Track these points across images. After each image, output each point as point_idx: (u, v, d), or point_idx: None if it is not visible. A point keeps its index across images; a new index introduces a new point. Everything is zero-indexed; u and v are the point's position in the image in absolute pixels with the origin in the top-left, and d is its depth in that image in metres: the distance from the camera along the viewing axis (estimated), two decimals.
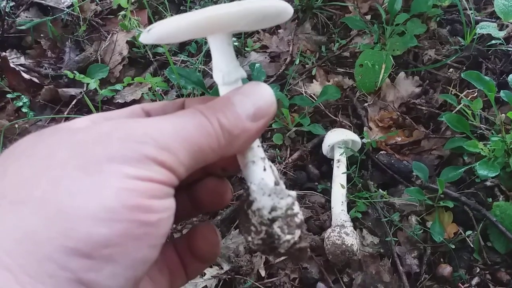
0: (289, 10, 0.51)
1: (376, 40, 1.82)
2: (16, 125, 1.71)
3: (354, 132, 1.59)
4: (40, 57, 2.04)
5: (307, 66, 1.89)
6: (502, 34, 1.57)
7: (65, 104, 1.85)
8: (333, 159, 1.54)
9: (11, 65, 1.85)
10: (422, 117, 1.70)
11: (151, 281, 0.52)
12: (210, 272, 1.35)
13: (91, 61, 1.97)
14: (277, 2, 0.49)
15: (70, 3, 2.10)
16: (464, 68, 1.72)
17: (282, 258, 1.35)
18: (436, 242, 1.36)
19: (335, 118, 1.71)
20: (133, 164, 0.39)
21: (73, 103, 1.84)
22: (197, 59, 1.87)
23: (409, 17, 1.78)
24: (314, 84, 1.82)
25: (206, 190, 0.58)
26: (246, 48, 1.96)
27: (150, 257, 0.40)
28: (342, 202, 1.42)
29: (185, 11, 1.98)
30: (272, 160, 1.58)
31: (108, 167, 0.38)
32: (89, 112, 1.74)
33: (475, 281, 1.32)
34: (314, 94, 1.77)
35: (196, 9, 0.49)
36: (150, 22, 1.95)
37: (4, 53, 1.93)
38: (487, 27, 1.58)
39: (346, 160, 1.51)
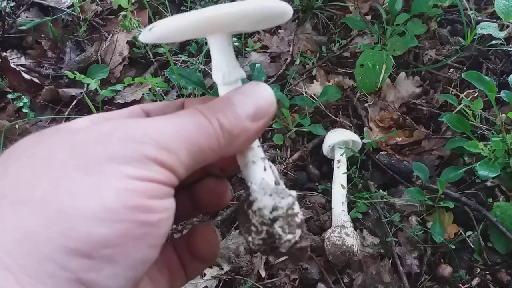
0: (289, 11, 0.51)
1: (376, 40, 1.82)
2: (17, 126, 1.71)
3: (354, 132, 1.59)
4: (40, 57, 2.04)
5: (307, 66, 1.88)
6: (502, 34, 1.57)
7: (66, 105, 1.85)
8: (333, 160, 1.54)
9: (12, 65, 1.86)
10: (423, 118, 1.70)
11: (151, 281, 0.52)
12: (210, 272, 1.35)
13: (92, 61, 1.97)
14: (277, 3, 0.49)
15: (71, 4, 2.10)
16: (465, 68, 1.72)
17: (283, 258, 1.35)
18: (436, 243, 1.36)
19: (335, 118, 1.71)
20: (133, 164, 0.39)
21: (74, 103, 1.84)
22: (198, 59, 1.87)
23: (410, 17, 1.78)
24: (315, 84, 1.82)
25: (205, 191, 0.58)
26: (246, 48, 1.96)
27: (150, 257, 0.40)
28: (343, 202, 1.42)
29: (186, 11, 1.98)
30: (273, 160, 1.58)
31: (109, 167, 0.38)
32: (90, 112, 1.74)
33: (475, 281, 1.32)
34: (314, 95, 1.77)
35: (196, 9, 0.49)
36: (150, 23, 1.94)
37: (4, 53, 1.94)
38: (487, 27, 1.58)
39: (347, 161, 1.51)
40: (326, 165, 1.60)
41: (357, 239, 1.34)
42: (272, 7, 0.49)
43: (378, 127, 1.69)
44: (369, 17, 1.92)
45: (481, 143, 1.38)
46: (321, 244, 1.37)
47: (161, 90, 1.80)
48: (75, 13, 2.07)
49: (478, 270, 1.34)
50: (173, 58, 1.90)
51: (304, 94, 1.77)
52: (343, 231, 1.33)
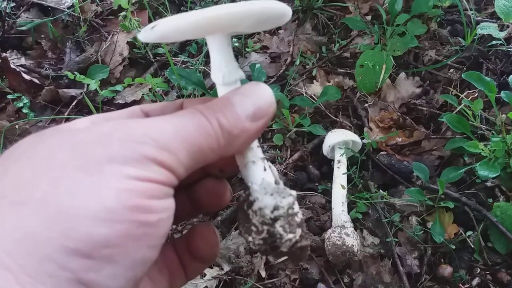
0: (288, 12, 0.52)
1: (376, 41, 1.82)
2: (17, 126, 1.71)
3: (354, 132, 1.59)
4: (40, 57, 2.04)
5: (307, 66, 1.89)
6: (502, 34, 1.57)
7: (66, 105, 1.85)
8: (333, 160, 1.54)
9: (12, 65, 1.86)
10: (423, 118, 1.70)
11: (151, 281, 0.53)
12: (210, 273, 1.35)
13: (92, 61, 1.97)
14: (277, 4, 0.49)
15: (71, 4, 2.10)
16: (465, 68, 1.72)
17: (283, 258, 1.35)
18: (436, 243, 1.36)
19: (335, 118, 1.71)
20: (133, 165, 0.39)
21: (74, 104, 1.84)
22: (198, 60, 1.87)
23: (410, 17, 1.78)
24: (315, 85, 1.82)
25: (205, 191, 0.58)
26: (246, 49, 1.96)
27: (150, 257, 0.41)
28: (343, 202, 1.42)
29: (186, 11, 1.98)
30: (273, 160, 1.59)
31: (108, 167, 0.38)
32: (90, 113, 1.74)
33: (475, 281, 1.32)
34: (314, 95, 1.77)
35: (196, 9, 0.49)
36: (150, 23, 1.95)
37: (4, 54, 1.94)
38: (487, 28, 1.58)
39: (347, 161, 1.51)
40: (326, 166, 1.60)
41: (357, 239, 1.34)
42: (272, 8, 0.49)
43: (378, 127, 1.69)
44: (369, 18, 1.93)
45: (481, 143, 1.38)
46: (321, 244, 1.37)
47: (161, 90, 1.80)
48: (75, 14, 2.07)
49: (478, 270, 1.34)
50: (173, 58, 1.90)
51: (304, 95, 1.77)
52: (343, 231, 1.33)
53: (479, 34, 1.66)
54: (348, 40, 1.94)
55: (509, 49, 1.70)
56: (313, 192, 1.53)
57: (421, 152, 1.62)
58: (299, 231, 0.50)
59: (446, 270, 1.32)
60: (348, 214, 1.41)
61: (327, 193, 1.51)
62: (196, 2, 2.14)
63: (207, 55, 1.87)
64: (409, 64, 1.83)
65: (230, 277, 1.34)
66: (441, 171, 1.47)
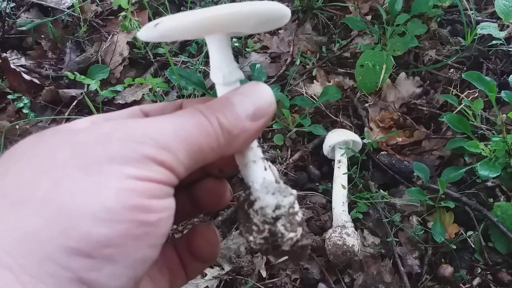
0: (287, 13, 0.52)
1: (376, 41, 1.82)
2: (17, 126, 1.71)
3: (354, 132, 1.59)
4: (40, 58, 2.04)
5: (307, 66, 1.89)
6: (502, 34, 1.57)
7: (66, 105, 1.85)
8: (334, 160, 1.54)
9: (12, 66, 1.86)
10: (423, 118, 1.70)
11: (151, 281, 0.52)
12: (211, 272, 1.35)
13: (92, 62, 1.97)
14: (277, 5, 0.49)
15: (71, 4, 2.10)
16: (465, 68, 1.72)
17: (283, 258, 1.35)
18: (437, 243, 1.36)
19: (335, 118, 1.71)
20: (133, 164, 0.39)
21: (74, 104, 1.84)
22: (198, 60, 1.87)
23: (410, 17, 1.78)
24: (315, 85, 1.82)
25: (205, 191, 0.58)
26: (246, 49, 1.96)
27: (150, 257, 0.41)
28: (343, 202, 1.42)
29: (186, 11, 1.98)
30: (273, 160, 1.59)
31: (109, 167, 0.38)
32: (90, 113, 1.74)
33: (476, 281, 1.32)
34: (314, 95, 1.77)
35: (197, 9, 0.50)
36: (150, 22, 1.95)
37: (4, 54, 1.94)
38: (487, 28, 1.58)
39: (347, 161, 1.51)
40: (326, 165, 1.60)
41: (358, 239, 1.34)
42: (273, 9, 0.49)
43: (379, 127, 1.69)
44: (369, 18, 1.93)
45: (482, 143, 1.38)
46: (322, 244, 1.37)
47: (161, 90, 1.80)
48: (75, 14, 2.07)
49: (479, 270, 1.34)
50: (173, 58, 1.90)
51: (305, 95, 1.77)
52: (344, 231, 1.33)
53: (479, 34, 1.66)
54: (348, 40, 1.94)
55: (509, 49, 1.70)
56: (314, 192, 1.53)
57: (422, 152, 1.62)
58: (300, 230, 0.50)
59: (447, 270, 1.32)
60: (349, 214, 1.41)
61: (328, 193, 1.51)
62: (196, 2, 2.14)
63: (207, 55, 1.86)
64: (409, 64, 1.83)
65: (230, 277, 1.34)
66: (441, 171, 1.47)
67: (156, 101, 1.77)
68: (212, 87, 1.68)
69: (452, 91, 1.66)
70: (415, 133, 1.66)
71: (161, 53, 1.98)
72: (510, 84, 1.49)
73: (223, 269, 1.36)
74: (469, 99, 1.52)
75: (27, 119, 1.74)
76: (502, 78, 1.67)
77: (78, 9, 2.06)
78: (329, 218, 1.45)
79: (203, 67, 1.86)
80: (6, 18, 2.05)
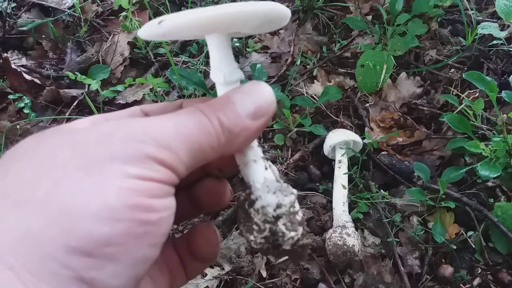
0: (288, 15, 0.52)
1: (377, 41, 1.82)
2: (18, 126, 1.71)
3: (355, 132, 1.59)
4: (41, 58, 2.04)
5: (308, 66, 1.89)
6: (503, 34, 1.57)
7: (67, 105, 1.86)
8: (334, 160, 1.54)
9: (13, 66, 1.86)
10: (424, 118, 1.70)
11: (151, 280, 0.53)
12: (211, 272, 1.35)
13: (93, 62, 1.97)
14: (279, 6, 0.49)
15: (71, 4, 2.10)
16: (466, 68, 1.72)
17: (284, 258, 1.35)
18: (437, 243, 1.36)
19: (336, 118, 1.71)
20: (134, 164, 0.39)
21: (75, 104, 1.84)
22: (199, 60, 1.88)
23: (410, 17, 1.78)
24: (315, 85, 1.82)
25: (205, 191, 0.58)
26: (247, 49, 1.96)
27: (151, 256, 0.41)
28: (344, 202, 1.42)
29: None
30: (274, 160, 1.59)
31: (110, 166, 0.39)
32: (91, 113, 1.75)
33: (476, 281, 1.32)
34: (315, 95, 1.77)
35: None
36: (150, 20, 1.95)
37: (5, 54, 1.94)
38: (488, 27, 1.58)
39: (348, 161, 1.51)
40: (327, 165, 1.60)
41: (358, 239, 1.34)
42: (274, 9, 0.49)
43: (379, 127, 1.69)
44: (369, 18, 1.93)
45: (482, 143, 1.38)
46: (322, 244, 1.37)
47: (162, 90, 1.80)
48: (76, 14, 2.07)
49: (479, 270, 1.34)
50: (174, 58, 1.90)
51: (305, 95, 1.77)
52: (344, 231, 1.33)
53: (480, 34, 1.66)
54: (348, 40, 1.94)
55: (510, 49, 1.70)
56: (314, 192, 1.53)
57: (422, 152, 1.62)
58: (300, 229, 0.50)
59: (447, 270, 1.32)
60: (349, 214, 1.41)
61: (328, 193, 1.51)
62: (196, 2, 2.14)
63: (207, 56, 1.87)
64: (410, 64, 1.83)
65: (231, 277, 1.34)
66: (442, 171, 1.47)
67: (156, 101, 1.77)
68: (213, 87, 1.68)
69: (453, 91, 1.65)
70: (416, 133, 1.65)
71: (162, 53, 1.98)
72: (511, 84, 1.49)
73: (223, 269, 1.36)
74: (470, 99, 1.52)
75: (28, 119, 1.74)
76: (502, 78, 1.66)
77: (79, 9, 2.07)
78: (329, 218, 1.45)
79: (204, 67, 1.86)
80: (7, 18, 2.05)
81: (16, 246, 0.35)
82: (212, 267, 1.37)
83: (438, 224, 1.38)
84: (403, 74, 1.78)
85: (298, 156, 1.61)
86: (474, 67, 1.71)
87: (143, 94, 1.85)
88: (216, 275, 1.35)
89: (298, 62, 1.86)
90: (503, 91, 1.47)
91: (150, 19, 1.95)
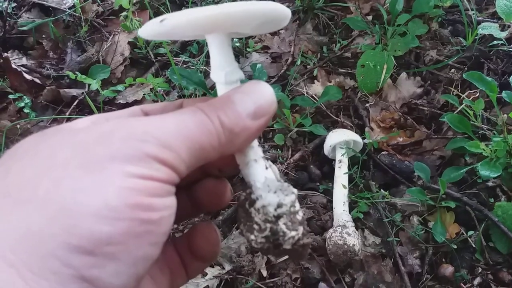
0: (288, 15, 0.52)
1: (377, 41, 1.82)
2: (18, 126, 1.71)
3: (355, 132, 1.59)
4: (42, 57, 2.04)
5: (308, 66, 1.89)
6: (503, 34, 1.57)
7: (67, 105, 1.86)
8: (334, 160, 1.54)
9: (13, 65, 1.86)
10: (424, 118, 1.70)
11: (152, 280, 0.53)
12: (212, 272, 1.35)
13: (93, 61, 1.97)
14: (280, 6, 0.49)
15: (72, 4, 2.10)
16: (466, 68, 1.72)
17: (284, 258, 1.35)
18: (438, 242, 1.36)
19: (336, 118, 1.71)
20: (135, 163, 0.39)
21: (75, 103, 1.84)
22: (199, 60, 1.88)
23: (411, 17, 1.78)
24: (316, 85, 1.82)
25: (205, 191, 0.58)
26: (247, 49, 1.96)
27: (152, 255, 0.41)
28: (344, 202, 1.42)
29: None
30: (274, 160, 1.59)
31: (110, 165, 0.39)
32: (91, 112, 1.75)
33: (477, 281, 1.32)
34: (315, 95, 1.77)
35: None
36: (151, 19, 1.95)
37: (6, 54, 1.94)
38: (488, 28, 1.58)
39: (348, 161, 1.51)
40: (327, 165, 1.60)
41: (359, 238, 1.34)
42: (276, 10, 0.50)
43: (379, 127, 1.69)
44: (370, 18, 1.93)
45: (483, 143, 1.38)
46: (322, 244, 1.38)
47: (162, 90, 1.80)
48: (76, 14, 2.07)
49: (480, 270, 1.34)
50: (174, 58, 1.90)
51: (305, 95, 1.77)
52: (344, 231, 1.33)
53: (480, 34, 1.66)
54: (349, 40, 1.94)
55: (510, 49, 1.70)
56: (314, 192, 1.54)
57: (422, 152, 1.62)
58: (301, 229, 0.50)
59: (448, 269, 1.32)
60: (350, 213, 1.41)
61: (328, 192, 1.51)
62: (197, 2, 2.14)
63: (208, 55, 1.86)
64: (410, 64, 1.83)
65: (231, 276, 1.34)
66: (442, 171, 1.47)
67: (157, 101, 1.77)
68: (213, 87, 1.68)
69: (453, 91, 1.65)
70: (416, 133, 1.65)
71: (162, 53, 1.98)
72: (511, 84, 1.49)
73: (223, 268, 1.36)
74: (470, 99, 1.52)
75: (28, 119, 1.74)
76: (503, 78, 1.67)
77: (79, 9, 2.07)
78: (329, 218, 1.45)
79: (204, 67, 1.86)
80: (8, 18, 2.05)
81: (17, 245, 0.35)
82: (213, 267, 1.37)
83: (438, 223, 1.38)
84: (404, 74, 1.78)
85: (298, 156, 1.61)
86: (474, 67, 1.71)
87: (144, 94, 1.85)
88: (216, 274, 1.35)
89: (299, 62, 1.86)
90: (503, 91, 1.47)
91: (150, 19, 1.94)
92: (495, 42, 1.66)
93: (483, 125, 1.50)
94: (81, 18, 2.07)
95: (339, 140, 1.50)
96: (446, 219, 1.42)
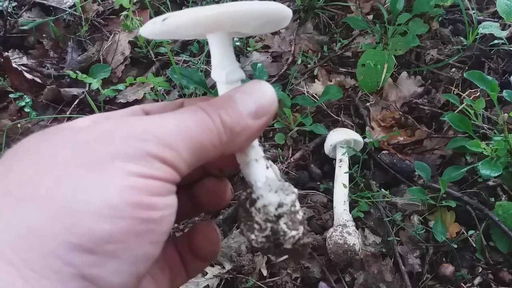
0: (289, 15, 0.53)
1: (378, 40, 1.82)
2: (19, 125, 1.71)
3: (356, 131, 1.59)
4: (42, 57, 2.04)
5: (309, 66, 1.88)
6: (504, 33, 1.57)
7: (67, 104, 1.86)
8: (335, 159, 1.54)
9: (14, 65, 1.86)
10: (424, 117, 1.70)
11: (152, 279, 0.53)
12: (212, 271, 1.35)
13: (93, 61, 1.97)
14: (281, 6, 0.50)
15: (72, 3, 2.10)
16: (467, 67, 1.72)
17: (284, 257, 1.35)
18: (438, 242, 1.36)
19: (337, 117, 1.71)
20: (136, 162, 0.39)
21: (75, 103, 1.84)
22: (199, 59, 1.88)
23: (411, 17, 1.78)
24: (316, 84, 1.82)
25: (205, 190, 0.58)
26: (248, 48, 1.96)
27: (152, 254, 0.41)
28: (344, 201, 1.42)
29: None
30: (274, 159, 1.59)
31: (111, 164, 0.39)
32: (91, 112, 1.75)
33: (477, 280, 1.32)
34: (316, 94, 1.77)
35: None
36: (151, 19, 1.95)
37: (6, 53, 1.94)
38: (489, 27, 1.58)
39: (348, 160, 1.51)
40: (327, 165, 1.60)
41: (359, 238, 1.34)
42: (277, 9, 0.50)
43: (380, 127, 1.69)
44: (370, 17, 1.92)
45: (483, 142, 1.38)
46: (323, 243, 1.38)
47: (162, 89, 1.80)
48: (76, 13, 2.07)
49: (480, 269, 1.34)
50: (175, 57, 1.90)
51: (306, 94, 1.77)
52: (345, 230, 1.33)
53: (481, 33, 1.65)
54: (349, 39, 1.94)
55: (511, 48, 1.70)
56: (315, 191, 1.54)
57: (423, 151, 1.62)
58: (301, 228, 0.50)
59: (448, 269, 1.32)
60: (350, 213, 1.41)
61: (329, 192, 1.51)
62: (197, 1, 2.14)
63: (208, 55, 1.87)
64: (411, 63, 1.83)
65: (231, 276, 1.34)
66: (443, 170, 1.47)
67: (157, 100, 1.77)
68: (214, 86, 1.68)
69: (454, 90, 1.65)
70: (417, 132, 1.65)
71: (163, 52, 1.98)
72: None
73: (223, 267, 1.37)
74: (471, 98, 1.52)
75: (29, 118, 1.74)
76: (503, 78, 1.66)
77: (80, 9, 2.06)
78: (330, 217, 1.45)
79: (205, 66, 1.86)
80: (8, 18, 2.05)
81: (18, 244, 0.35)
82: (213, 266, 1.37)
83: (439, 223, 1.38)
84: (404, 74, 1.78)
85: (299, 155, 1.61)
86: (475, 66, 1.71)
87: (144, 93, 1.85)
88: (216, 273, 1.35)
89: (299, 62, 1.86)
90: (504, 91, 1.47)
91: (151, 18, 1.94)
92: (495, 41, 1.66)
93: (483, 124, 1.50)
94: (81, 17, 2.07)
95: (340, 139, 1.50)
96: (446, 219, 1.42)
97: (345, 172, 1.47)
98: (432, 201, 1.41)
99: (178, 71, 1.59)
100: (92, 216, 0.36)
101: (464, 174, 1.43)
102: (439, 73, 1.77)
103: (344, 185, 1.44)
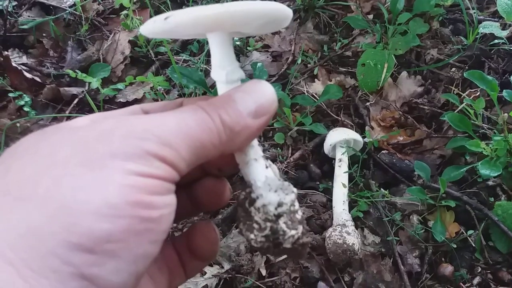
0: (289, 15, 0.53)
1: (378, 40, 1.82)
2: (18, 124, 1.71)
3: (356, 131, 1.59)
4: (42, 56, 2.04)
5: (309, 65, 1.88)
6: (504, 33, 1.57)
7: (67, 103, 1.86)
8: (334, 159, 1.54)
9: (13, 64, 1.86)
10: (424, 117, 1.70)
11: (151, 279, 0.53)
12: (211, 271, 1.35)
13: (93, 60, 1.97)
14: (281, 6, 0.50)
15: (72, 3, 2.10)
16: (467, 67, 1.72)
17: (283, 257, 1.35)
18: (437, 242, 1.36)
19: (337, 117, 1.71)
20: (135, 160, 0.39)
21: (75, 102, 1.84)
22: (199, 59, 1.87)
23: (412, 16, 1.78)
24: (316, 84, 1.82)
25: (204, 190, 0.58)
26: (248, 48, 1.96)
27: (151, 253, 0.41)
28: (344, 201, 1.42)
29: None
30: (274, 159, 1.59)
31: (110, 163, 0.39)
32: (91, 111, 1.75)
33: (476, 280, 1.32)
34: (316, 94, 1.77)
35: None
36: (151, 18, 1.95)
37: (6, 52, 1.94)
38: (489, 27, 1.58)
39: (348, 160, 1.51)
40: (327, 164, 1.60)
41: (358, 238, 1.34)
42: (278, 9, 0.50)
43: (380, 126, 1.69)
44: (371, 16, 1.92)
45: (483, 142, 1.38)
46: (322, 243, 1.37)
47: (162, 89, 1.80)
48: (76, 12, 2.07)
49: (479, 269, 1.34)
50: (175, 57, 1.90)
51: (306, 93, 1.77)
52: (344, 230, 1.33)
53: (481, 33, 1.65)
54: (349, 39, 1.93)
55: (511, 48, 1.70)
56: (314, 191, 1.54)
57: (423, 151, 1.62)
58: (300, 228, 0.50)
59: (447, 269, 1.32)
60: (349, 212, 1.41)
61: (328, 191, 1.51)
62: (197, 1, 2.14)
63: (208, 54, 1.87)
64: (411, 63, 1.83)
65: (230, 276, 1.34)
66: (442, 170, 1.47)
67: (157, 100, 1.77)
68: (213, 85, 1.68)
69: (454, 90, 1.65)
70: (416, 132, 1.65)
71: (163, 52, 1.98)
72: None
73: (222, 267, 1.36)
74: (471, 98, 1.52)
75: (28, 117, 1.74)
76: (504, 77, 1.66)
77: (80, 8, 2.06)
78: (329, 217, 1.45)
79: (205, 66, 1.86)
80: (8, 17, 2.05)
81: (17, 243, 0.35)
82: (212, 266, 1.37)
83: (438, 223, 1.38)
84: (404, 73, 1.78)
85: (298, 155, 1.61)
86: (475, 66, 1.71)
87: (144, 93, 1.85)
88: (215, 273, 1.35)
89: (299, 61, 1.86)
90: (504, 90, 1.46)
91: (151, 17, 1.94)
92: (496, 41, 1.66)
93: (483, 124, 1.50)
94: (81, 16, 2.07)
95: (339, 139, 1.50)
96: (446, 218, 1.42)
97: (345, 172, 1.47)
98: (432, 201, 1.41)
99: (178, 71, 1.59)
100: (91, 215, 0.36)
101: (464, 174, 1.43)
102: (439, 73, 1.77)
103: (344, 185, 1.44)
